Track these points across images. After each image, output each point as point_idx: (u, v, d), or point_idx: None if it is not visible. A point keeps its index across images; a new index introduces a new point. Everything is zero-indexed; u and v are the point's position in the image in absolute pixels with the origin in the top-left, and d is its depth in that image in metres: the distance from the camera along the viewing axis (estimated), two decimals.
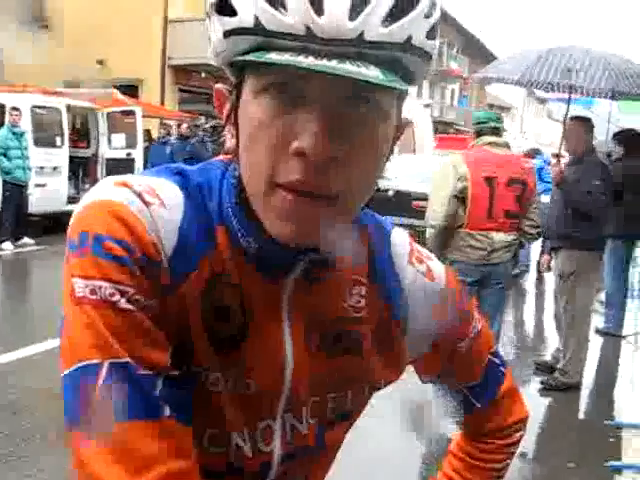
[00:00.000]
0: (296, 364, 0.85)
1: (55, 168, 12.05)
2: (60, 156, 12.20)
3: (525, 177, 4.51)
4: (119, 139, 13.43)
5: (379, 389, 0.97)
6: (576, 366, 5.33)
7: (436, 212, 4.41)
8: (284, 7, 0.67)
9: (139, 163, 13.13)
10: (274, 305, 0.84)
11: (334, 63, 0.65)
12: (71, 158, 12.61)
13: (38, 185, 11.38)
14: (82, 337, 0.70)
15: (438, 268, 1.00)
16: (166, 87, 20.64)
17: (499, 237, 4.42)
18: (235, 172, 0.80)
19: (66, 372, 0.71)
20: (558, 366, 5.41)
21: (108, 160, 13.32)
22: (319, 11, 0.66)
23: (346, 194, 0.72)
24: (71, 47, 19.17)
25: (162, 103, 20.05)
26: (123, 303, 0.71)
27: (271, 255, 0.81)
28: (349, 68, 0.64)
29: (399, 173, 9.18)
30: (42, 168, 11.64)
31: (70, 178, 12.70)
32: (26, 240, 10.67)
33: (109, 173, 13.13)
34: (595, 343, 6.55)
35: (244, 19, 0.69)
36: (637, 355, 6.55)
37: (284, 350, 0.84)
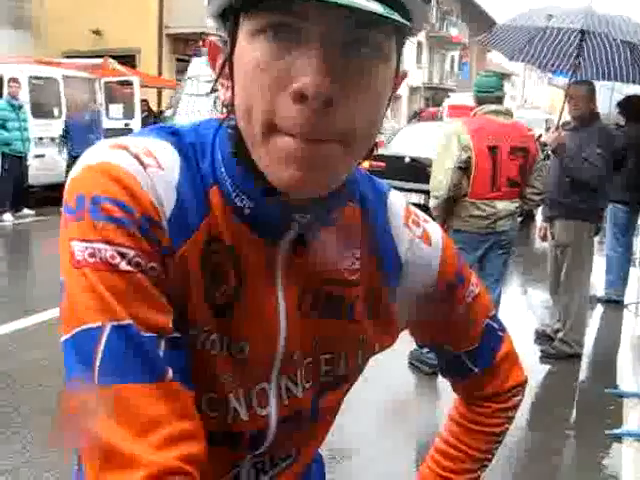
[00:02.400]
0: (289, 326, 0.85)
1: (53, 139, 11.98)
2: (58, 127, 12.13)
3: (527, 144, 4.49)
4: (117, 109, 13.36)
5: (374, 353, 0.97)
6: (576, 335, 5.35)
7: (440, 182, 4.39)
8: None
9: None
10: (268, 267, 0.83)
11: None
12: None
13: (37, 156, 11.35)
14: (82, 301, 0.69)
15: (435, 232, 0.99)
16: (163, 57, 20.46)
17: (503, 205, 4.43)
18: (231, 122, 0.78)
19: (67, 337, 0.70)
20: (558, 335, 5.42)
21: (106, 130, 13.24)
22: None
23: (348, 136, 0.71)
24: (66, 19, 19.00)
25: (160, 73, 19.90)
26: (124, 265, 0.70)
27: (266, 214, 0.80)
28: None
29: (415, 140, 9.41)
30: (40, 139, 11.60)
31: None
32: (26, 211, 10.69)
33: None
34: (596, 312, 6.58)
35: None
36: (638, 324, 6.57)
37: (277, 312, 0.84)
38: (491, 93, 4.51)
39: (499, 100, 4.54)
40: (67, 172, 10.83)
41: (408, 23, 0.68)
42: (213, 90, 0.81)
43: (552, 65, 5.73)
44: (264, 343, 0.84)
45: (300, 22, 0.67)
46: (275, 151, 0.70)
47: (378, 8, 0.63)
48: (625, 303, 7.05)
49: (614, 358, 5.62)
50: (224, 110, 0.79)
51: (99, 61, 14.00)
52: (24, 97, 10.99)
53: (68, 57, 16.55)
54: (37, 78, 11.84)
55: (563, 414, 4.46)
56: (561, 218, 5.26)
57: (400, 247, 0.94)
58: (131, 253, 0.70)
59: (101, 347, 0.67)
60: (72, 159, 10.85)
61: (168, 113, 10.53)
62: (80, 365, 0.68)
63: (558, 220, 5.29)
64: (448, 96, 19.70)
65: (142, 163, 0.74)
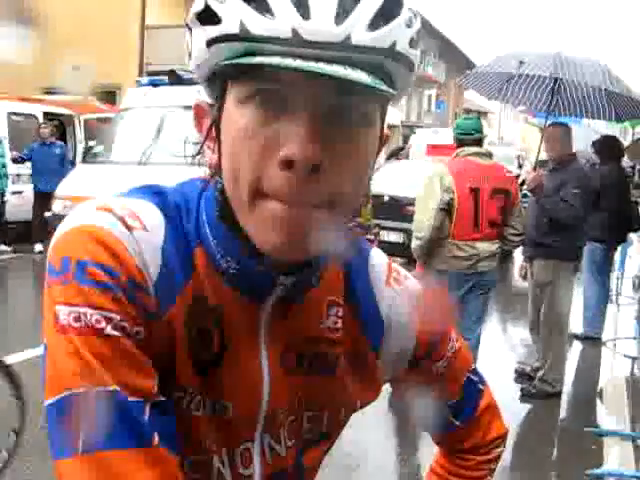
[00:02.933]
0: (272, 384, 0.85)
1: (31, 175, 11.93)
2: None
3: (508, 186, 4.58)
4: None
5: (355, 410, 0.97)
6: (556, 374, 5.36)
7: (422, 223, 4.46)
8: (270, 12, 0.67)
9: None
10: (252, 327, 0.84)
11: (322, 65, 0.65)
12: None
13: (15, 192, 11.26)
14: (67, 365, 0.68)
15: (416, 289, 0.99)
16: None
17: (484, 247, 4.49)
18: (218, 185, 0.79)
19: (50, 401, 0.69)
20: (538, 374, 5.43)
21: None
22: (305, 15, 0.66)
23: (335, 201, 0.72)
24: (48, 53, 19.04)
25: None
26: (109, 330, 0.69)
27: (251, 275, 0.80)
28: (337, 69, 0.65)
29: (394, 179, 9.47)
30: (18, 176, 11.52)
31: None
32: (3, 247, 10.58)
33: None
34: (575, 349, 6.62)
35: (229, 25, 0.69)
36: (617, 361, 6.61)
37: (261, 371, 0.84)
38: (471, 135, 4.61)
39: (479, 142, 4.64)
40: (35, 208, 10.73)
41: (393, 91, 0.70)
42: (199, 152, 0.81)
43: (530, 104, 5.85)
44: (247, 402, 0.84)
45: (287, 90, 0.68)
46: (262, 216, 0.71)
47: (364, 78, 0.65)
48: (603, 340, 7.09)
49: (594, 396, 5.64)
50: (209, 172, 0.80)
51: (79, 98, 13.99)
52: (3, 133, 10.96)
53: (48, 93, 16.56)
54: (16, 114, 11.82)
55: (544, 453, 4.46)
56: (540, 258, 5.30)
57: (382, 306, 0.94)
58: (116, 317, 0.70)
59: (86, 413, 0.67)
60: (40, 194, 10.73)
61: (98, 149, 9.94)
62: (64, 431, 0.68)
63: (537, 260, 5.34)
64: (414, 132, 19.90)
65: (128, 226, 0.74)
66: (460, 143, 4.65)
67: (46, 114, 12.54)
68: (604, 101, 5.44)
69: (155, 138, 9.15)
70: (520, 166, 19.82)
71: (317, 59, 0.66)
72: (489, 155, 4.70)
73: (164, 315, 0.76)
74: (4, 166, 10.57)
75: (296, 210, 0.69)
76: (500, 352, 6.76)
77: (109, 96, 18.41)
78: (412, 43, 0.73)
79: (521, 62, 5.20)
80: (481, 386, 1.09)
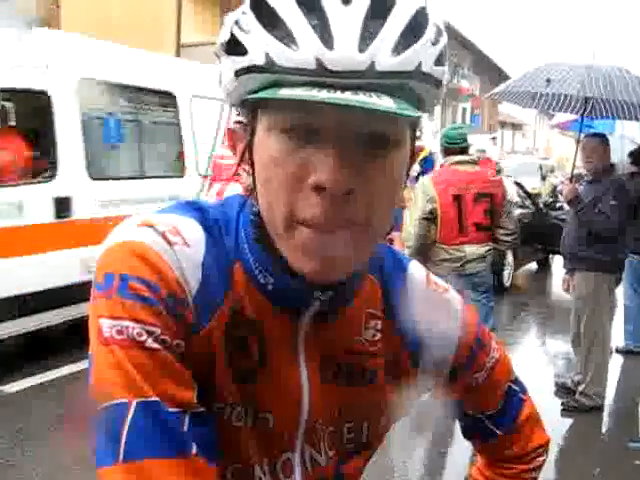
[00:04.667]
0: (312, 396, 0.86)
1: None
2: None
3: (492, 190, 4.84)
4: None
5: (395, 420, 0.98)
6: (597, 388, 5.28)
7: (409, 234, 4.83)
8: (295, 43, 0.68)
9: None
10: (291, 340, 0.85)
11: (347, 95, 0.65)
12: None
13: None
14: (110, 377, 0.71)
15: (455, 299, 1.00)
16: None
17: (471, 250, 4.78)
18: (254, 208, 0.81)
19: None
20: (579, 388, 5.35)
21: None
22: (329, 45, 0.67)
23: (368, 224, 0.73)
24: None
25: None
26: (150, 342, 0.72)
27: (288, 292, 0.82)
28: (363, 99, 0.65)
29: None
30: None
31: None
32: None
33: None
34: (616, 362, 6.50)
35: (255, 57, 0.70)
36: None
37: (300, 383, 0.86)
38: (457, 144, 4.90)
39: (464, 151, 4.93)
40: None
41: (419, 114, 0.70)
42: (235, 174, 0.83)
43: (560, 110, 5.89)
44: (288, 413, 0.86)
45: (315, 119, 0.69)
46: (296, 243, 0.73)
47: (390, 104, 0.66)
48: None
49: (635, 410, 5.54)
50: (246, 193, 0.83)
51: None
52: None
53: None
54: None
55: (586, 468, 4.38)
56: (581, 270, 5.26)
57: (421, 318, 0.95)
58: (157, 331, 0.72)
59: (128, 423, 0.69)
60: None
61: None
62: (106, 440, 0.70)
63: (578, 272, 5.29)
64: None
65: (169, 241, 0.76)
66: (447, 152, 4.93)
67: None
68: (637, 112, 5.41)
69: None
70: (544, 178, 19.46)
71: (343, 88, 0.66)
72: (474, 162, 4.98)
73: (203, 328, 0.78)
74: None
75: (329, 236, 0.71)
76: (540, 365, 6.68)
77: None
78: (438, 60, 0.73)
79: (548, 80, 5.23)
80: (522, 395, 1.10)
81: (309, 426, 0.87)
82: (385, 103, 0.66)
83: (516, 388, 1.09)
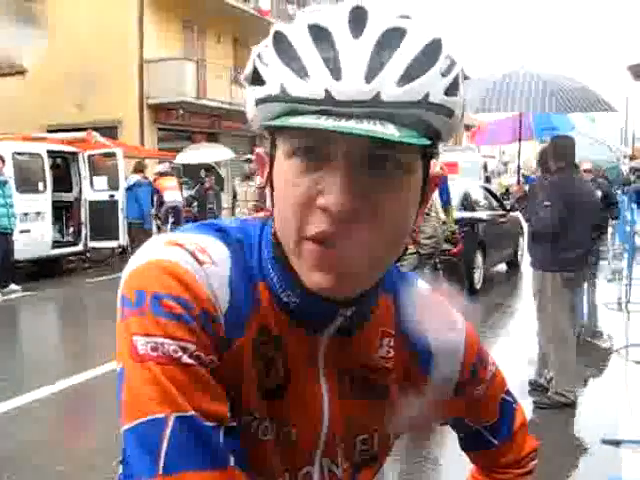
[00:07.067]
0: (332, 410, 0.90)
1: (38, 213, 12.06)
2: (43, 201, 12.21)
3: None
4: (101, 182, 13.45)
5: (402, 433, 1.02)
6: (567, 385, 5.37)
7: None
8: (307, 74, 0.73)
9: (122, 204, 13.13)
10: (312, 357, 0.88)
11: (352, 123, 0.69)
12: (54, 203, 12.64)
13: (22, 231, 11.37)
14: (146, 392, 0.73)
15: (459, 319, 1.03)
16: (145, 127, 20.70)
17: None
18: (271, 229, 0.85)
19: (129, 426, 0.73)
20: (552, 385, 5.44)
21: (91, 203, 13.33)
22: (337, 76, 0.71)
23: (373, 248, 0.75)
24: (49, 93, 19.27)
25: (142, 143, 20.10)
26: (185, 359, 0.74)
27: (310, 309, 0.84)
28: (366, 127, 0.68)
29: None
30: (26, 214, 11.66)
31: (54, 223, 12.71)
32: (13, 287, 10.62)
33: (92, 216, 13.15)
34: (586, 358, 6.59)
35: (272, 87, 0.75)
36: (629, 368, 6.59)
37: (321, 398, 0.89)
38: None
39: None
40: None
41: (425, 142, 0.72)
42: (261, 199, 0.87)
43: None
44: (310, 428, 0.89)
45: (325, 145, 0.73)
46: (305, 258, 0.77)
47: (394, 132, 0.69)
48: (615, 348, 7.08)
49: (609, 405, 5.61)
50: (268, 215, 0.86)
51: (82, 134, 14.13)
52: (8, 173, 11.08)
53: (50, 131, 16.74)
54: (21, 154, 11.95)
55: (562, 463, 4.44)
56: (533, 268, 5.57)
57: (429, 335, 0.98)
58: (192, 347, 0.74)
59: (167, 437, 0.71)
60: None
61: None
62: (144, 454, 0.72)
63: (532, 270, 5.57)
64: None
65: (198, 260, 0.79)
66: None
67: (50, 152, 12.68)
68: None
69: None
70: (488, 179, 19.45)
71: (349, 117, 0.70)
72: None
73: (233, 345, 0.80)
74: (11, 206, 10.68)
75: (336, 252, 0.74)
76: (513, 364, 6.74)
77: (111, 131, 18.58)
78: (450, 91, 0.75)
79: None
80: (515, 405, 1.14)
81: (328, 439, 0.90)
82: (388, 131, 0.69)
83: (509, 398, 1.14)
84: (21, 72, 20.90)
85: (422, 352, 0.98)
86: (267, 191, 0.84)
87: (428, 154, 0.81)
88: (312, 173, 0.74)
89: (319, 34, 0.74)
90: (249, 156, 10.31)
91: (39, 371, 6.04)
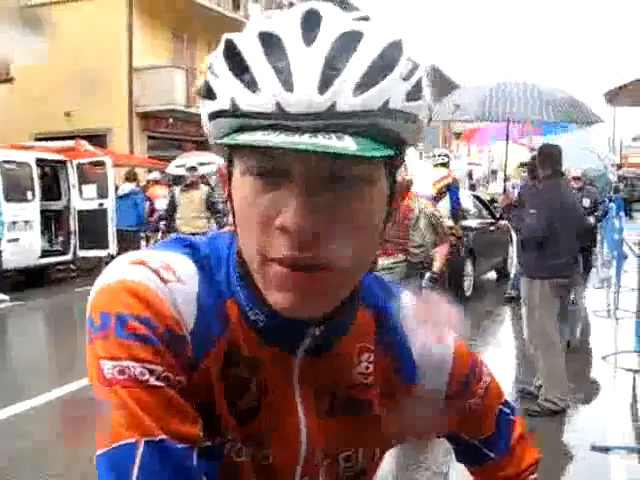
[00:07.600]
0: (310, 430, 0.87)
1: (27, 222, 11.98)
2: (32, 210, 12.15)
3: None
4: (90, 190, 13.37)
5: (390, 447, 1.00)
6: (557, 392, 5.36)
7: None
8: (257, 87, 0.68)
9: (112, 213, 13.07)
10: (286, 376, 0.86)
11: (305, 138, 0.64)
12: (43, 211, 12.57)
13: (11, 240, 11.29)
14: (115, 417, 0.71)
15: (447, 330, 1.00)
16: (134, 135, 20.66)
17: (380, 261, 4.91)
18: (235, 247, 0.82)
19: (101, 452, 0.71)
20: (541, 392, 5.44)
21: (80, 212, 13.26)
22: (289, 87, 0.67)
23: (338, 263, 0.72)
24: (37, 101, 19.21)
25: (131, 151, 20.06)
26: (152, 381, 0.72)
27: (279, 327, 0.81)
28: (321, 142, 0.64)
29: None
30: (14, 223, 11.58)
31: (42, 231, 12.63)
32: (1, 296, 10.51)
33: (81, 225, 13.08)
34: (576, 364, 6.61)
35: (222, 102, 0.71)
36: (618, 375, 6.61)
37: (297, 419, 0.87)
38: None
39: None
40: None
41: (385, 153, 0.68)
42: (223, 214, 0.85)
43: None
44: (287, 449, 0.86)
45: (280, 162, 0.69)
46: (269, 279, 0.74)
47: (350, 146, 0.64)
48: (603, 355, 7.10)
49: (598, 411, 5.64)
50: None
51: (71, 143, 14.07)
52: None
53: (39, 140, 16.68)
54: (9, 162, 11.89)
55: (552, 470, 4.43)
56: (522, 275, 5.62)
57: (413, 348, 0.95)
58: (159, 369, 0.73)
59: (137, 463, 0.69)
60: None
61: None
62: (116, 479, 0.70)
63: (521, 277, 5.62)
64: None
65: (162, 278, 0.76)
66: None
67: (39, 160, 12.62)
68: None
69: None
70: (473, 187, 19.38)
71: (302, 130, 0.66)
72: None
73: (201, 364, 0.78)
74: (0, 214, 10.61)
75: (298, 274, 0.71)
76: (503, 372, 6.75)
77: (100, 139, 18.52)
78: (411, 95, 0.71)
79: (457, 106, 5.79)
80: (512, 417, 1.11)
81: (307, 459, 0.88)
82: (345, 144, 0.64)
83: (507, 410, 1.10)
84: (9, 80, 20.82)
85: (405, 364, 0.95)
86: (229, 207, 0.81)
87: (392, 163, 0.77)
88: (269, 192, 0.71)
89: (270, 42, 0.69)
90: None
91: (26, 382, 5.92)
